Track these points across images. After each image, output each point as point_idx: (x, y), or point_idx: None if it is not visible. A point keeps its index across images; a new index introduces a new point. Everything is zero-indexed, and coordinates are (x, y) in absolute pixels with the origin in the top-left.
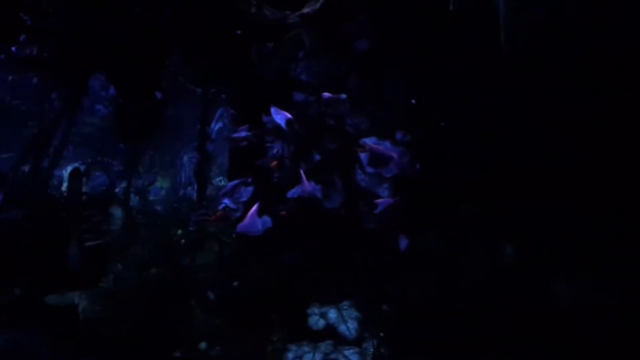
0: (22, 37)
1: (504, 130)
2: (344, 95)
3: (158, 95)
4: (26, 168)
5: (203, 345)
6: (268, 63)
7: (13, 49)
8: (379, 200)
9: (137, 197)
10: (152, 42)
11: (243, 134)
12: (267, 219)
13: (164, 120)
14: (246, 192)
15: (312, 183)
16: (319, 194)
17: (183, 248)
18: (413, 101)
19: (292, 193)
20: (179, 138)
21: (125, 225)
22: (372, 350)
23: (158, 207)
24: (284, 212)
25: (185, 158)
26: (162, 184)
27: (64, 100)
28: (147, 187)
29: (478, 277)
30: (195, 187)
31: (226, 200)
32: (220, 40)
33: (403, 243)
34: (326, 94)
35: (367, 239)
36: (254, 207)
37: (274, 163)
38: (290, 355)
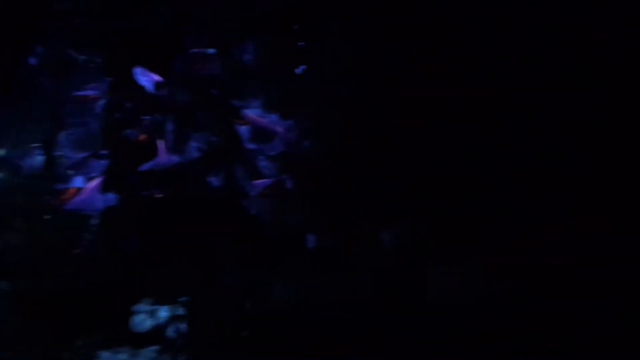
0: None
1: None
2: (212, 50)
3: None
4: None
5: None
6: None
7: None
8: (256, 182)
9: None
10: None
11: (90, 92)
12: (112, 196)
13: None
14: (99, 166)
15: (173, 156)
16: (178, 168)
17: None
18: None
19: (145, 166)
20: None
21: None
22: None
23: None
24: (159, 195)
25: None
26: (31, 159)
27: None
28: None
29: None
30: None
31: (77, 178)
32: None
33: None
34: (194, 50)
35: (236, 224)
36: (96, 181)
37: (143, 136)
38: None
